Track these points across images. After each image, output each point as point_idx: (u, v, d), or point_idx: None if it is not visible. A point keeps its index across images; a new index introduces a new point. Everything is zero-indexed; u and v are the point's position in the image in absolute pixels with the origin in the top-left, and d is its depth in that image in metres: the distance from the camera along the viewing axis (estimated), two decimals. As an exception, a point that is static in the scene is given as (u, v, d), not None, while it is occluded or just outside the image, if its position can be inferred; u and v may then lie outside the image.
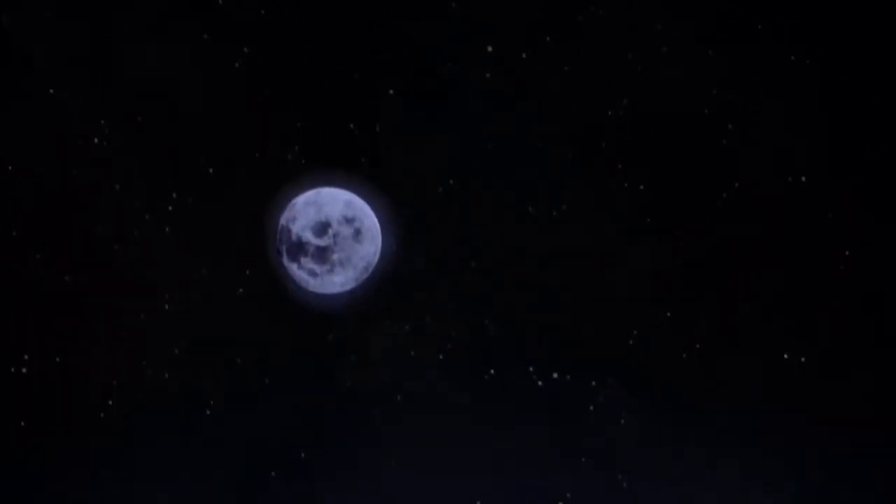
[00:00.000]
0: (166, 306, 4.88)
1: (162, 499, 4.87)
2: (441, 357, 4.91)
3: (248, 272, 4.89)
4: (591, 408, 4.89)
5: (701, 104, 4.85)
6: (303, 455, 4.90)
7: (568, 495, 4.89)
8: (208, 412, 4.88)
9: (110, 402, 4.86)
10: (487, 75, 4.83)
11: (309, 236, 4.87)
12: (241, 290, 4.89)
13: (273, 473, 4.90)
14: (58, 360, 4.85)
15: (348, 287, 4.89)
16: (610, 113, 4.86)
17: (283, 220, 4.87)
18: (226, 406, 4.89)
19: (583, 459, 4.90)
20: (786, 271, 4.90)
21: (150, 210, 4.85)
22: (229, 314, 4.90)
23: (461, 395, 4.90)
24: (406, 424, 4.89)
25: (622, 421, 4.90)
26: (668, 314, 4.89)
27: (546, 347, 4.90)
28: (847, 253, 4.86)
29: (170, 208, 4.85)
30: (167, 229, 4.86)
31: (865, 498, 4.86)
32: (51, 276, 4.80)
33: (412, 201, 4.89)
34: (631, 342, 4.90)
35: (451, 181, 4.86)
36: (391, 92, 4.83)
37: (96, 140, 4.83)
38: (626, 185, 4.87)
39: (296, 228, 4.87)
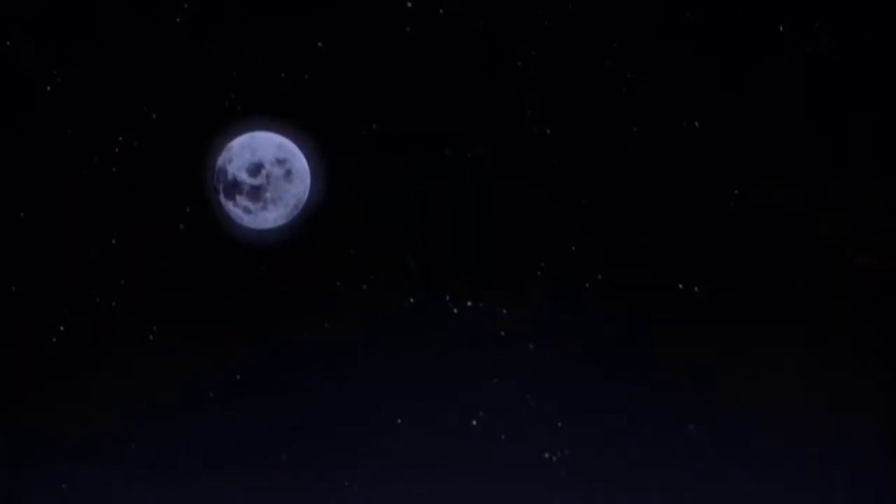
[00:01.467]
0: (113, 241, 5.32)
1: (107, 419, 5.30)
2: (364, 287, 5.36)
3: (188, 209, 5.32)
4: (502, 333, 5.33)
5: (603, 55, 5.29)
6: (238, 377, 5.34)
7: (480, 413, 5.34)
8: (151, 337, 5.32)
9: (62, 328, 5.31)
10: (408, 28, 5.27)
11: (244, 176, 5.31)
12: (181, 225, 5.33)
13: (211, 394, 5.35)
14: (13, 289, 5.29)
15: (280, 223, 5.33)
16: (519, 64, 5.31)
17: (220, 162, 5.30)
18: (167, 333, 5.32)
19: (494, 381, 5.33)
20: (681, 208, 5.34)
21: (98, 152, 5.29)
22: (171, 248, 5.34)
23: (382, 322, 5.33)
24: (330, 350, 5.33)
25: (530, 346, 5.33)
26: (573, 248, 5.34)
27: (461, 279, 5.34)
28: (736, 192, 5.31)
29: (116, 150, 5.29)
30: (114, 170, 5.30)
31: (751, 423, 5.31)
32: (6, 213, 5.24)
33: (338, 144, 5.33)
34: (539, 273, 5.34)
35: (374, 125, 5.31)
36: (319, 45, 5.28)
37: (49, 88, 5.27)
38: (535, 129, 5.32)
39: (232, 169, 5.30)
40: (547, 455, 5.33)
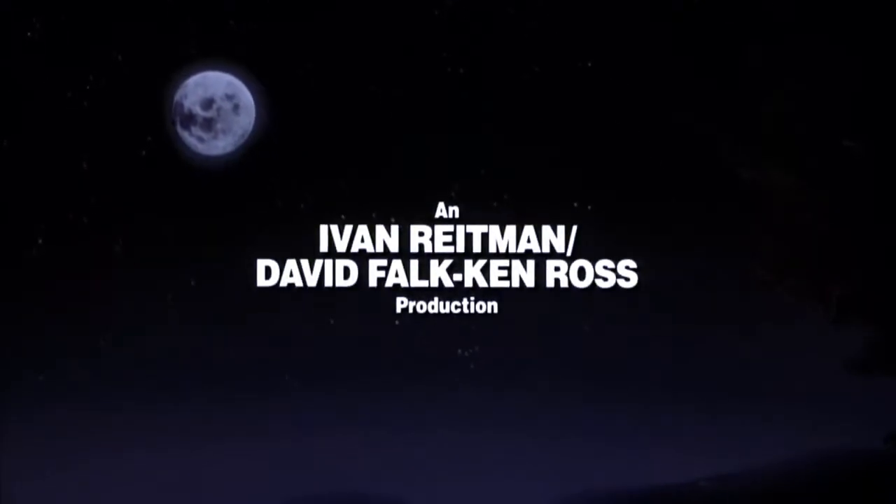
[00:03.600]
0: (84, 165, 6.16)
1: (79, 322, 6.12)
2: (301, 207, 6.18)
3: (149, 138, 6.16)
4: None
5: (508, 5, 6.13)
6: (192, 283, 6.17)
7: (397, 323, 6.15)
8: (117, 248, 6.15)
9: (40, 241, 6.14)
10: (338, -17, 6.12)
11: (197, 110, 6.16)
12: (144, 152, 6.16)
13: (169, 296, 6.17)
14: (-3, 208, 6.14)
15: (229, 150, 6.18)
16: (436, 13, 6.15)
17: (177, 97, 6.15)
18: (131, 245, 6.15)
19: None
20: (577, 135, 6.15)
21: (72, 89, 6.12)
22: (134, 172, 6.17)
23: (316, 236, 6.14)
24: (270, 259, 6.13)
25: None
26: (482, 172, 6.16)
27: (385, 199, 6.14)
28: (636, 121, 6.12)
29: (87, 87, 6.13)
30: (85, 104, 6.13)
31: (638, 314, 6.11)
32: (-8, 140, 6.10)
33: (280, 82, 6.17)
34: (453, 194, 6.15)
35: (310, 65, 6.14)
36: (263, -4, 6.15)
37: (29, 34, 6.12)
38: (449, 69, 6.15)
39: (187, 103, 6.15)
40: (459, 351, 6.15)
